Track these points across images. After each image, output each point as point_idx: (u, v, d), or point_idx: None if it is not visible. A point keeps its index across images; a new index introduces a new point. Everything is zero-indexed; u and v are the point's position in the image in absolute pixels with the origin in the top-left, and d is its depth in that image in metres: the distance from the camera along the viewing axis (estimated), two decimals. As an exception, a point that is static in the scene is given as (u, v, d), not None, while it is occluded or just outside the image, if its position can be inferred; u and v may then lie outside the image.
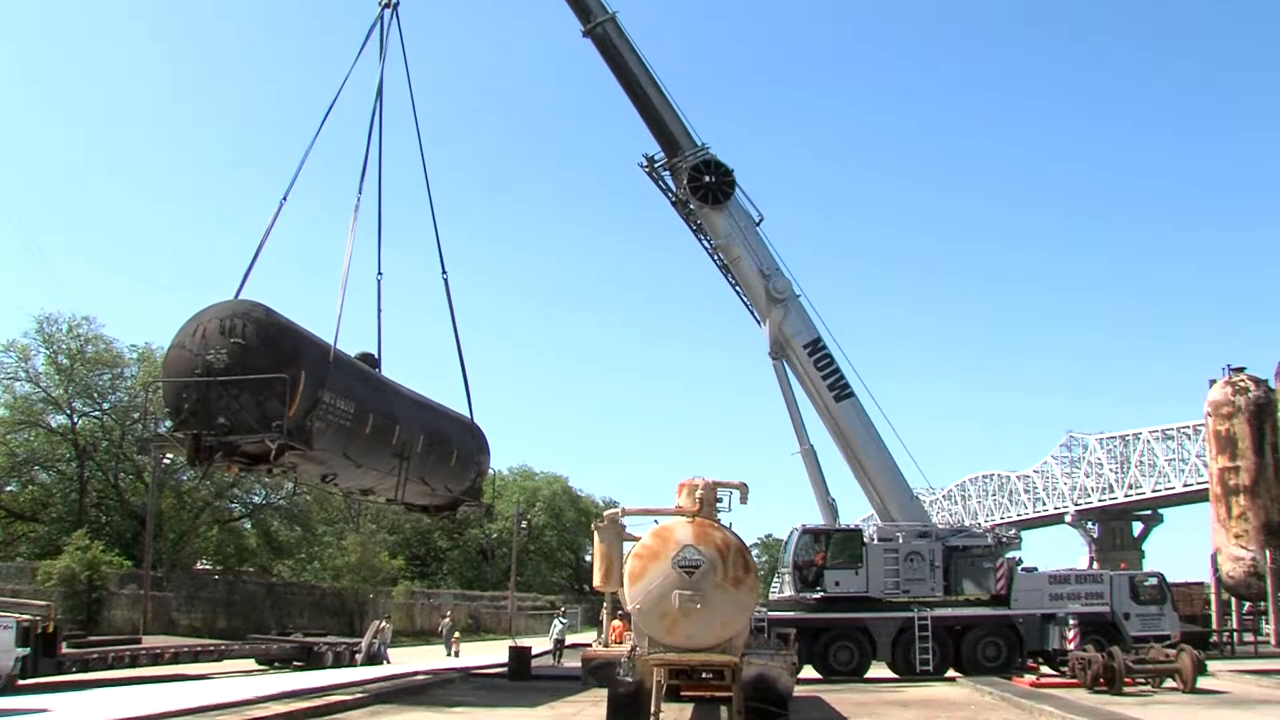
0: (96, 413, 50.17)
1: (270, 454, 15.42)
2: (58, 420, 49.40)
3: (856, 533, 27.87)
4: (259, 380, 14.86)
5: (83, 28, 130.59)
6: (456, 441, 21.45)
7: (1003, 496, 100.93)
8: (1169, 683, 20.98)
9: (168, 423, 16.43)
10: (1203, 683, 21.12)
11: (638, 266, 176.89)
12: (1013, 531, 33.71)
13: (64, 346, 48.45)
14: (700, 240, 29.44)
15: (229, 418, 14.89)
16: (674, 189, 28.86)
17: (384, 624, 33.90)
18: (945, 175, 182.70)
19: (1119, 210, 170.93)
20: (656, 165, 28.72)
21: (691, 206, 28.61)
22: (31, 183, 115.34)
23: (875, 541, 27.19)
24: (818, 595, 26.16)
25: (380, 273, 19.93)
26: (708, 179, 28.06)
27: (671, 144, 28.13)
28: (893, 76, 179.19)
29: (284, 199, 17.96)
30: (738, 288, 29.34)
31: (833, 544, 27.03)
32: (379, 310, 19.82)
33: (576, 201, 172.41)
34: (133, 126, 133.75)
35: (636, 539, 13.16)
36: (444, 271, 21.77)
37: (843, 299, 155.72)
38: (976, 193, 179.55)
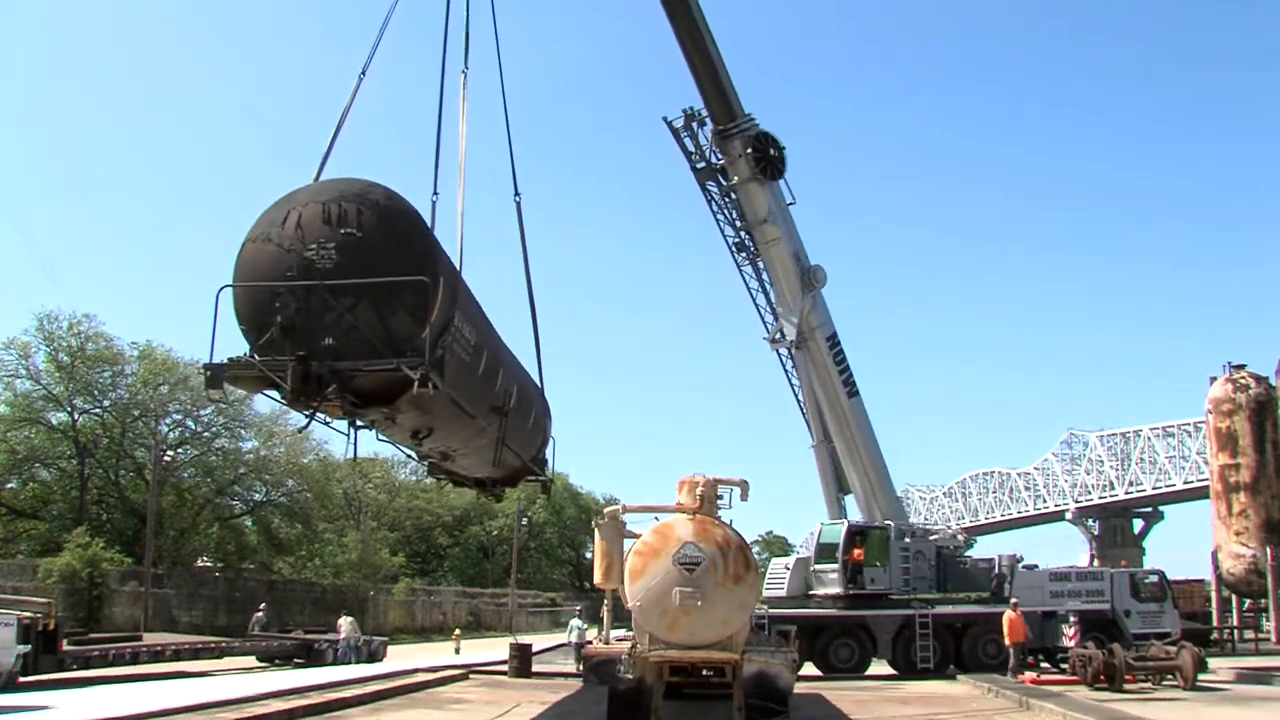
0: (97, 410, 50.24)
1: (391, 394, 11.16)
2: (58, 418, 49.51)
3: (887, 530, 27.95)
4: (388, 286, 10.73)
5: (83, 27, 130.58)
6: (533, 397, 17.27)
7: (1003, 494, 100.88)
8: (1169, 680, 20.98)
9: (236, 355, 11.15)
10: (1203, 680, 21.14)
11: (638, 263, 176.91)
12: (964, 536, 34.45)
13: (64, 344, 48.53)
14: (716, 216, 28.46)
15: (339, 338, 10.75)
16: (707, 153, 27.64)
17: (348, 617, 34.02)
18: (946, 172, 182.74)
19: (1120, 208, 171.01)
20: (695, 126, 27.37)
21: (727, 176, 27.37)
22: (32, 182, 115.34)
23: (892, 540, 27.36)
24: (866, 591, 26.27)
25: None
26: (772, 151, 27.20)
27: (727, 109, 26.79)
28: (890, 74, 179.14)
29: (362, 73, 14.41)
30: (746, 271, 28.58)
31: (870, 542, 27.07)
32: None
33: (576, 197, 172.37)
34: (133, 126, 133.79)
35: (637, 536, 13.16)
36: (516, 194, 16.98)
37: (842, 296, 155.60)
38: (977, 190, 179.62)
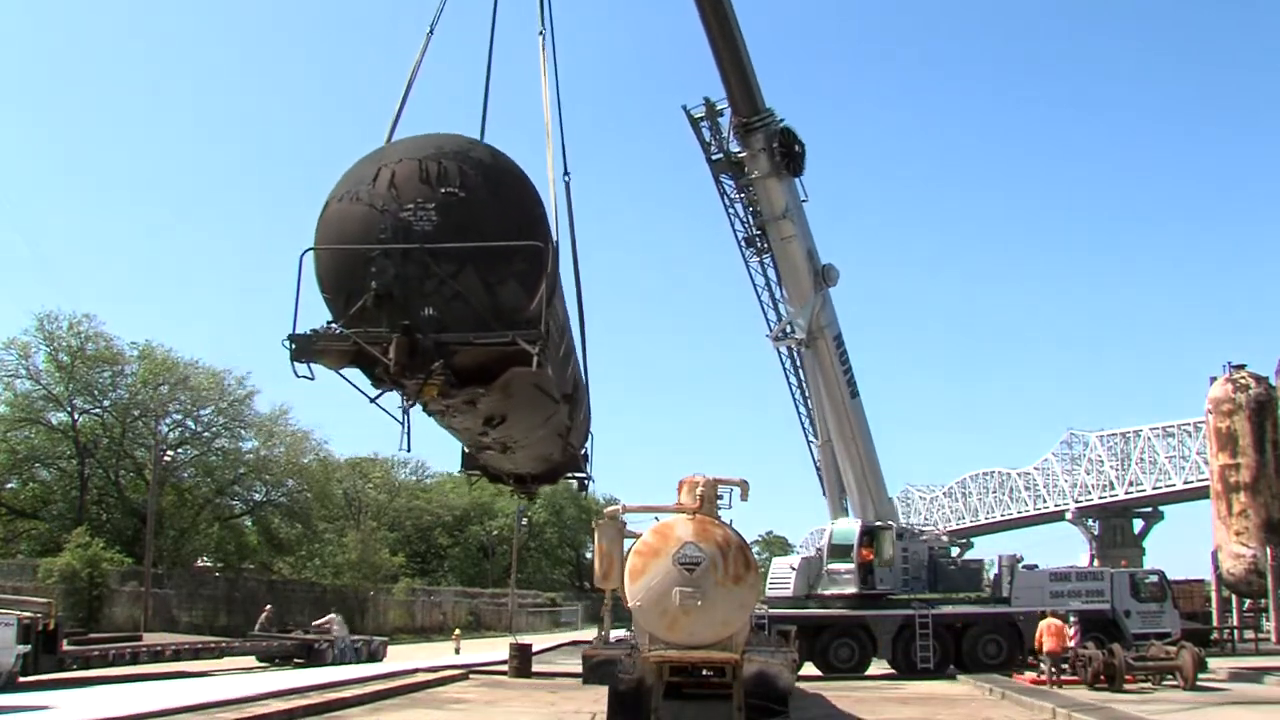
0: (97, 410, 50.26)
1: (491, 372, 10.06)
2: (58, 418, 49.53)
3: (892, 531, 28.05)
4: (498, 251, 9.57)
5: (82, 27, 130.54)
6: (585, 388, 15.60)
7: (1003, 494, 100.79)
8: (1170, 680, 20.98)
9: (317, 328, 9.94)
10: (1203, 680, 21.13)
11: (638, 261, 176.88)
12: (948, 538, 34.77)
13: (64, 344, 48.54)
14: (728, 210, 28.22)
15: (439, 307, 9.59)
16: (726, 145, 27.29)
17: (333, 615, 34.05)
18: (946, 172, 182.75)
19: (1120, 207, 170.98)
20: (716, 116, 26.96)
21: (743, 170, 27.05)
22: (32, 181, 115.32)
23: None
24: (877, 591, 26.39)
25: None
26: (797, 147, 26.88)
27: (751, 102, 26.23)
28: (889, 74, 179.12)
29: (430, 30, 13.19)
30: (754, 267, 28.52)
31: (879, 542, 27.21)
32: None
33: (575, 193, 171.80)
34: (132, 126, 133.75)
35: (637, 536, 13.14)
36: (565, 174, 14.38)
37: (841, 295, 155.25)
38: (978, 190, 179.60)
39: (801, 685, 18.58)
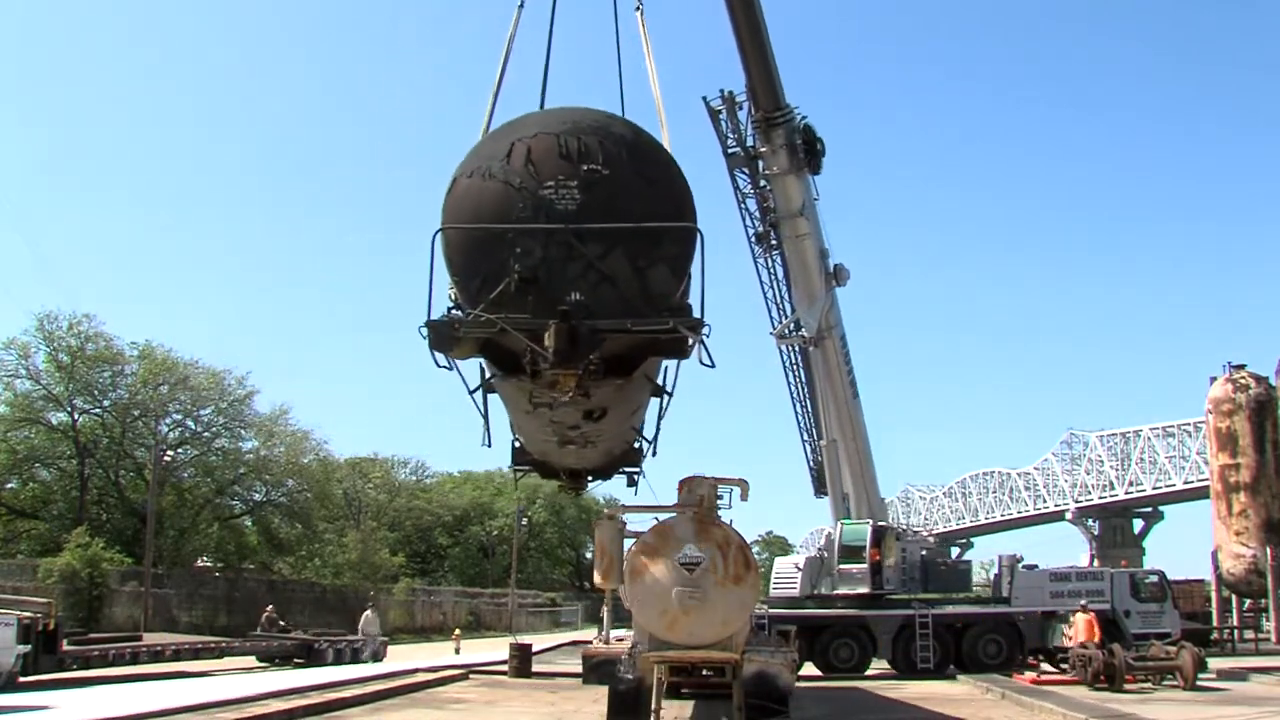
0: (97, 410, 50.20)
1: (633, 362, 9.65)
2: (58, 418, 49.46)
3: (895, 531, 28.33)
4: (650, 233, 9.01)
5: (82, 27, 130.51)
6: None
7: (1003, 494, 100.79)
8: (1170, 680, 20.98)
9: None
10: (1203, 680, 21.12)
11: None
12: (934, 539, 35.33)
13: (64, 344, 48.46)
14: (741, 204, 28.14)
15: (586, 292, 8.95)
16: (745, 138, 27.07)
17: (370, 612, 33.42)
18: (946, 171, 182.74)
19: (1120, 207, 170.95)
20: (735, 109, 26.72)
21: (767, 165, 26.84)
22: (32, 181, 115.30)
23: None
24: (881, 592, 26.58)
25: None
26: (819, 144, 26.70)
27: (774, 97, 25.84)
28: (888, 73, 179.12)
29: (520, 3, 12.69)
30: (761, 263, 28.48)
31: (887, 542, 27.41)
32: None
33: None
34: (133, 125, 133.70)
35: (637, 536, 13.16)
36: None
37: (842, 294, 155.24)
38: (978, 190, 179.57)
39: (801, 685, 18.56)
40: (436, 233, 9.09)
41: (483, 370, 10.28)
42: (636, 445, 14.97)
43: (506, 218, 9.00)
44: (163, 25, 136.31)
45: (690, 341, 9.02)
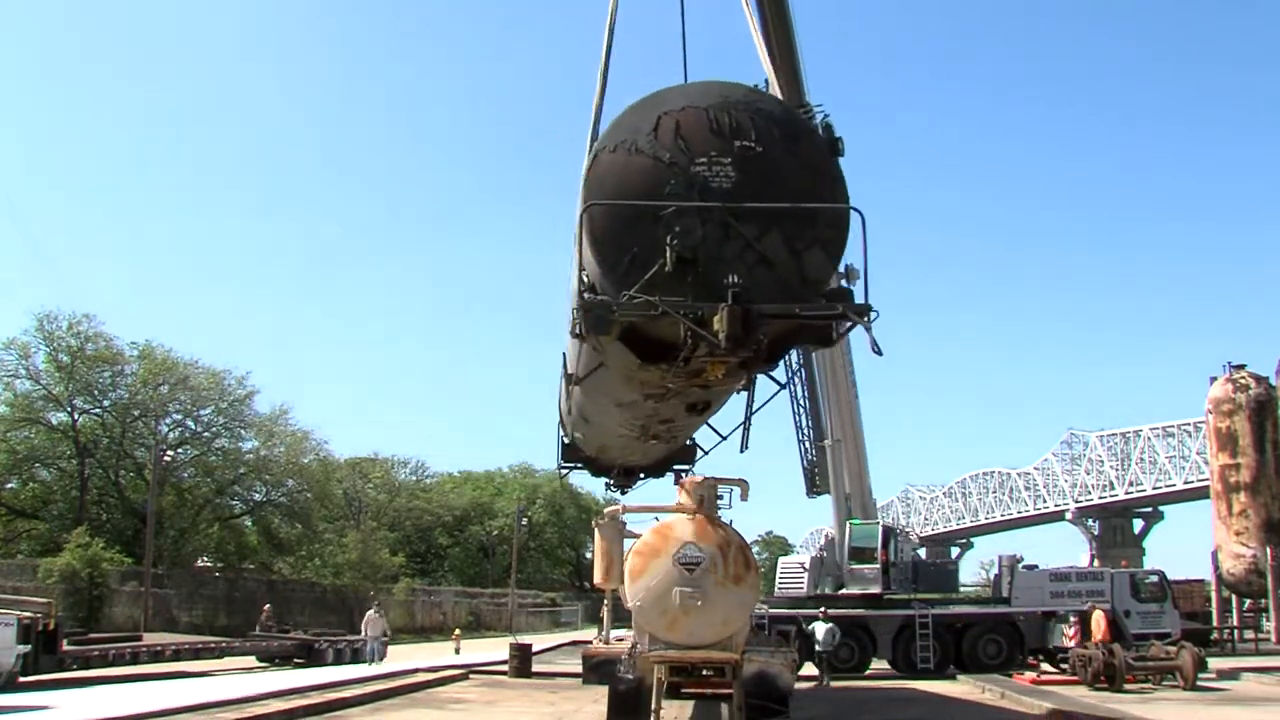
0: (97, 410, 50.21)
1: (781, 349, 9.27)
2: (58, 418, 49.48)
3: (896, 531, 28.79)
4: (809, 214, 8.67)
5: (82, 27, 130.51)
6: None
7: (1003, 494, 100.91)
8: (1170, 680, 20.99)
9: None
10: (1203, 680, 21.13)
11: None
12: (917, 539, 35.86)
13: (64, 344, 48.49)
14: None
15: (743, 275, 8.39)
16: None
17: (374, 613, 32.86)
18: (946, 171, 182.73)
19: (1120, 207, 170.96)
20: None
21: None
22: (32, 181, 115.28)
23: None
24: (892, 592, 26.86)
25: None
26: (839, 143, 26.48)
27: (798, 91, 24.71)
28: (887, 73, 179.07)
29: None
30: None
31: (895, 543, 27.81)
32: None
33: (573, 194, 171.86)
34: (133, 125, 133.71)
35: (637, 536, 13.15)
36: None
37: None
38: (977, 189, 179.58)
39: (802, 685, 18.57)
40: (585, 209, 8.57)
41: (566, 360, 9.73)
42: (689, 442, 14.78)
43: (655, 194, 8.50)
44: (163, 25, 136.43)
45: (838, 330, 8.65)
